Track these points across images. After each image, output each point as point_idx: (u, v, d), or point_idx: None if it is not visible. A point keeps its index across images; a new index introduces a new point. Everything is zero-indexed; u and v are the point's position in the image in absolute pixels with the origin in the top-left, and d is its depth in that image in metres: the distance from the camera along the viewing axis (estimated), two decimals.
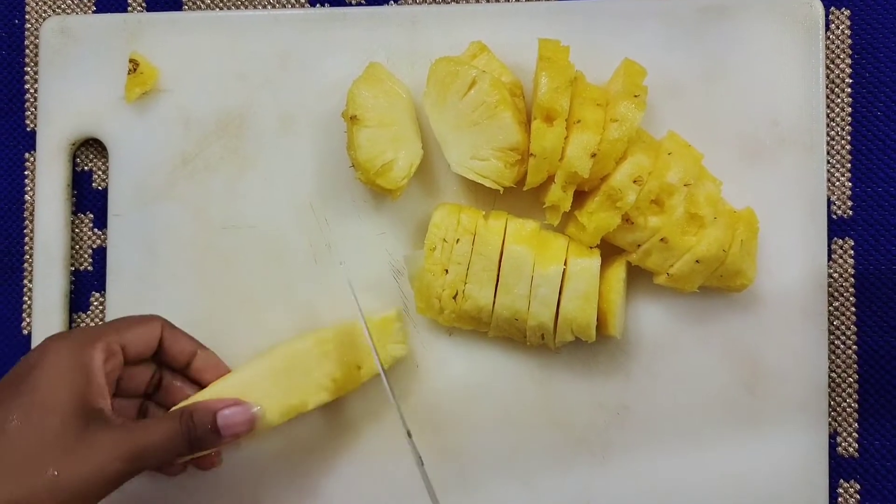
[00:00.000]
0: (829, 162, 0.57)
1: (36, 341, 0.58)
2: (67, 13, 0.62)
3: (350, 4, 0.60)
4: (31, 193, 0.62)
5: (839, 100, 0.57)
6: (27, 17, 0.63)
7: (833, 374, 0.56)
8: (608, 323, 0.51)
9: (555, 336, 0.52)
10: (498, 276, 0.51)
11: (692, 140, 0.52)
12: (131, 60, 0.57)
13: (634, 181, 0.49)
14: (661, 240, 0.50)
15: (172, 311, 0.53)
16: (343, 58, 0.57)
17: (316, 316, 0.56)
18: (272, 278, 0.57)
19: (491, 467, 0.55)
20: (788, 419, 0.54)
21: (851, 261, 0.57)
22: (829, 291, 0.56)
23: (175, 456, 0.46)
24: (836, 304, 0.56)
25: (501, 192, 0.52)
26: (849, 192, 0.57)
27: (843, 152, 0.57)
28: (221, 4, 0.61)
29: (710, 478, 0.54)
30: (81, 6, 0.62)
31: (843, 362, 0.56)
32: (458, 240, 0.51)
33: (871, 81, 0.57)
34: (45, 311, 0.58)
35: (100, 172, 0.61)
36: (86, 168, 0.61)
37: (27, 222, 0.61)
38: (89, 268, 0.61)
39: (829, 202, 0.57)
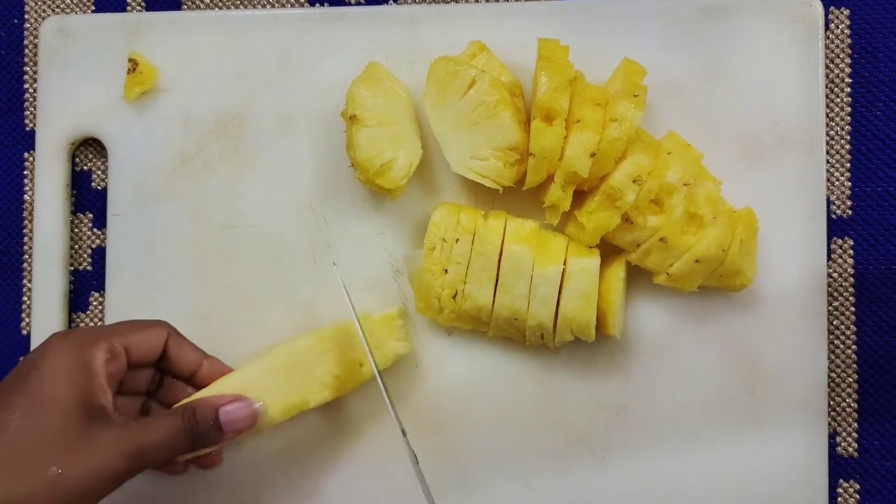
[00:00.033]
0: (828, 161, 0.57)
1: (35, 341, 0.58)
2: (67, 13, 0.62)
3: (349, 4, 0.60)
4: (30, 193, 0.62)
5: (839, 99, 0.57)
6: (26, 16, 0.63)
7: (833, 374, 0.56)
8: (608, 323, 0.51)
9: (554, 336, 0.52)
10: (497, 275, 0.51)
11: (692, 140, 0.52)
12: (130, 60, 0.57)
13: (634, 181, 0.49)
14: (661, 239, 0.50)
15: (172, 311, 0.53)
16: (342, 57, 0.57)
17: (315, 315, 0.56)
18: (272, 278, 0.57)
19: (490, 467, 0.55)
20: (788, 419, 0.54)
21: (851, 260, 0.57)
22: (828, 291, 0.56)
23: (178, 453, 0.46)
24: (836, 303, 0.56)
25: (501, 192, 0.52)
26: (848, 192, 0.57)
27: (843, 152, 0.57)
28: (221, 4, 0.61)
29: (710, 478, 0.54)
30: (80, 6, 0.62)
31: (843, 362, 0.56)
32: (457, 239, 0.51)
33: (871, 81, 0.57)
34: (45, 311, 0.58)
35: (99, 172, 0.61)
36: (85, 168, 0.61)
37: (26, 222, 0.61)
38: (88, 268, 0.61)
39: (829, 202, 0.57)
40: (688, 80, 0.55)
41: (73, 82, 0.58)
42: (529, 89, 0.55)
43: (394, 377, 0.55)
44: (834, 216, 0.57)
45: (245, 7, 0.61)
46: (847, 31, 0.57)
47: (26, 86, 0.62)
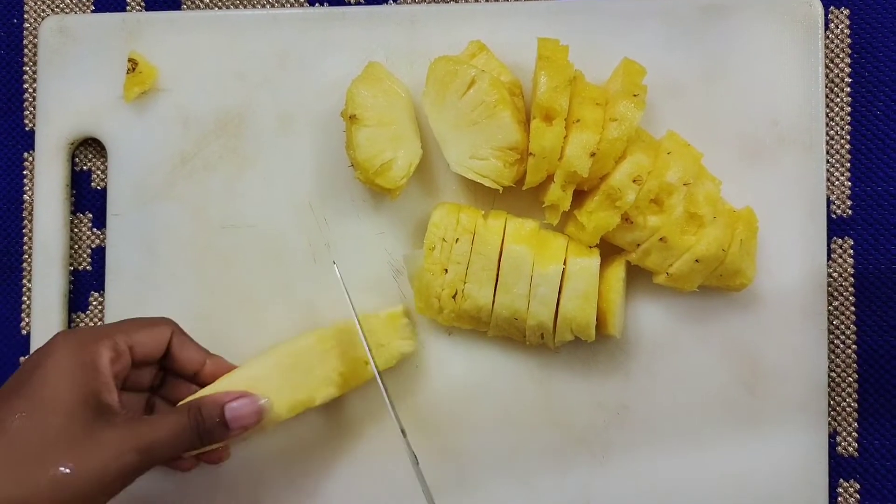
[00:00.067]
0: (828, 161, 0.57)
1: (35, 341, 0.58)
2: (66, 12, 0.62)
3: (349, 4, 0.60)
4: (29, 193, 0.62)
5: (838, 99, 0.57)
6: (26, 16, 0.62)
7: (833, 374, 0.56)
8: (608, 322, 0.51)
9: (554, 335, 0.52)
10: (497, 275, 0.51)
11: (692, 139, 0.52)
12: (130, 60, 0.57)
13: (634, 180, 0.49)
14: (661, 239, 0.50)
15: (172, 311, 0.53)
16: (342, 57, 0.57)
17: (315, 315, 0.56)
18: (271, 278, 0.57)
19: (490, 467, 0.55)
20: (788, 419, 0.54)
21: (851, 260, 0.57)
22: (828, 291, 0.56)
23: (184, 450, 0.46)
24: (836, 303, 0.56)
25: (501, 192, 0.52)
26: (848, 192, 0.57)
27: (843, 152, 0.57)
28: (220, 4, 0.61)
29: (710, 478, 0.54)
30: (80, 5, 0.62)
31: (843, 362, 0.56)
32: (457, 239, 0.51)
33: (871, 81, 0.57)
34: (44, 311, 0.58)
35: (99, 172, 0.61)
36: (85, 168, 0.61)
37: (26, 222, 0.61)
38: (88, 267, 0.61)
39: (829, 201, 0.57)
40: (688, 80, 0.55)
41: (72, 82, 0.58)
42: (529, 89, 0.54)
43: (394, 377, 0.55)
44: (834, 216, 0.57)
45: (244, 7, 0.61)
46: (847, 31, 0.57)
47: (26, 86, 0.62)
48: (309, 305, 0.56)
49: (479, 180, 0.52)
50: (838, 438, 0.56)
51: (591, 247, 0.52)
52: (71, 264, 0.60)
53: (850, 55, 0.57)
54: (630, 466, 0.55)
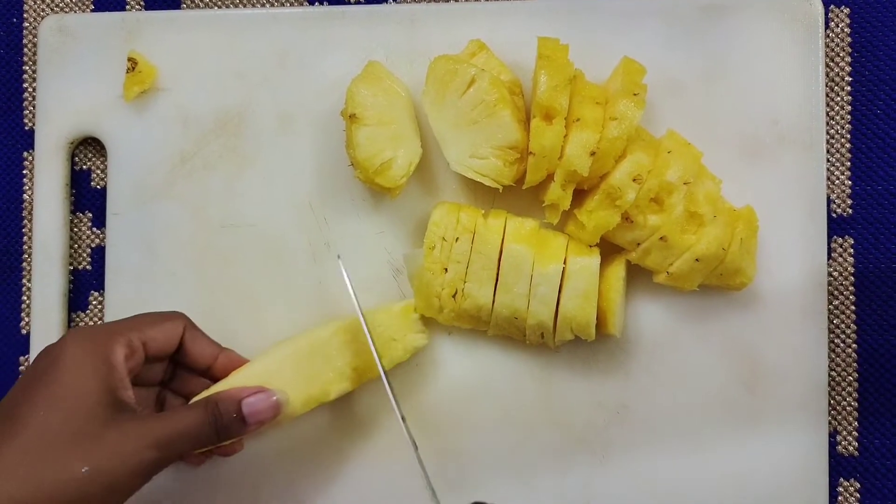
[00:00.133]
0: (828, 160, 0.57)
1: (35, 341, 0.58)
2: (66, 12, 0.62)
3: (349, 3, 0.60)
4: (29, 192, 0.62)
5: (839, 98, 0.57)
6: (25, 15, 0.62)
7: (833, 373, 0.56)
8: (608, 322, 0.51)
9: (554, 335, 0.52)
10: (497, 274, 0.51)
11: (692, 138, 0.52)
12: (130, 59, 0.57)
13: (634, 179, 0.49)
14: (661, 238, 0.50)
15: (171, 310, 0.53)
16: (342, 56, 0.57)
17: (315, 314, 0.56)
18: (271, 277, 0.57)
19: (491, 467, 0.55)
20: (788, 418, 0.54)
21: (851, 259, 0.57)
22: (828, 290, 0.56)
23: (202, 445, 0.46)
24: (836, 302, 0.56)
25: (500, 191, 0.52)
26: (848, 191, 0.57)
27: (843, 150, 0.57)
28: (220, 3, 0.61)
29: (710, 477, 0.54)
30: (80, 5, 0.62)
31: (843, 361, 0.56)
32: (457, 238, 0.51)
33: (871, 80, 0.57)
34: (44, 311, 0.58)
35: (98, 171, 0.61)
36: (84, 167, 0.61)
37: (26, 221, 0.61)
38: (88, 267, 0.60)
39: (829, 200, 0.57)
40: (688, 79, 0.55)
41: (72, 81, 0.58)
42: (529, 88, 0.54)
43: (393, 377, 0.55)
44: (834, 215, 0.57)
45: (244, 6, 0.61)
46: (847, 30, 0.57)
47: (25, 85, 0.62)
48: (309, 305, 0.56)
49: (478, 179, 0.51)
50: (838, 438, 0.56)
51: (591, 246, 0.52)
52: (71, 264, 0.60)
53: (850, 54, 0.57)
54: (630, 466, 0.54)
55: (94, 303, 0.60)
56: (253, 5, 0.61)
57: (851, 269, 0.57)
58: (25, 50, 0.62)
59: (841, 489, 0.56)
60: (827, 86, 0.57)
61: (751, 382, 0.54)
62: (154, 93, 0.58)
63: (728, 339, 0.54)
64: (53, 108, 0.59)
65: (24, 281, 0.61)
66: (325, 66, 0.57)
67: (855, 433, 0.56)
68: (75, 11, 0.62)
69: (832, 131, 0.57)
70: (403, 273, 0.56)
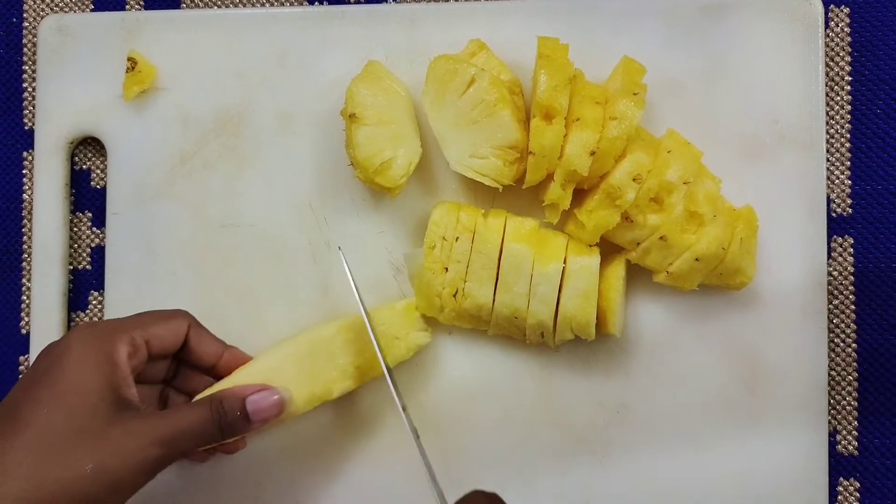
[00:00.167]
0: (828, 160, 0.57)
1: (35, 340, 0.58)
2: (65, 11, 0.62)
3: (348, 2, 0.60)
4: (29, 192, 0.62)
5: (839, 98, 0.57)
6: (25, 15, 0.62)
7: (833, 373, 0.56)
8: (608, 321, 0.51)
9: (554, 334, 0.52)
10: (497, 274, 0.51)
11: (692, 138, 0.52)
12: (129, 59, 0.57)
13: (634, 179, 0.49)
14: (661, 238, 0.50)
15: None
16: (342, 56, 0.57)
17: (315, 314, 0.56)
18: (271, 277, 0.57)
19: (491, 467, 0.55)
20: (788, 418, 0.54)
21: (851, 259, 0.57)
22: (828, 289, 0.56)
23: (206, 443, 0.46)
24: (836, 302, 0.56)
25: (500, 191, 0.52)
26: (848, 190, 0.57)
27: (843, 150, 0.57)
28: (220, 3, 0.61)
29: (710, 477, 0.54)
30: (79, 4, 0.62)
31: (843, 360, 0.56)
32: (457, 238, 0.51)
33: (871, 79, 0.57)
34: (44, 310, 0.58)
35: (98, 171, 0.61)
36: (84, 167, 0.61)
37: (25, 221, 0.61)
38: (88, 266, 0.60)
39: (829, 200, 0.57)
40: (688, 79, 0.55)
41: (71, 81, 0.58)
42: (529, 88, 0.54)
43: (394, 376, 0.55)
44: (834, 214, 0.57)
45: (244, 6, 0.61)
46: (847, 30, 0.57)
47: (25, 84, 0.62)
48: (309, 304, 0.56)
49: (478, 179, 0.51)
50: (838, 437, 0.56)
51: (591, 245, 0.52)
52: (70, 263, 0.60)
53: (850, 53, 0.57)
54: (630, 466, 0.54)
55: (93, 302, 0.60)
56: (253, 5, 0.61)
57: (851, 269, 0.57)
58: (25, 50, 0.62)
59: (841, 489, 0.56)
60: (827, 85, 0.57)
61: (751, 382, 0.54)
62: (154, 92, 0.58)
63: (728, 338, 0.54)
64: (53, 107, 0.59)
65: (24, 280, 0.61)
66: (324, 65, 0.57)
67: (855, 433, 0.56)
68: (75, 11, 0.62)
69: (832, 131, 0.57)
70: (404, 273, 0.55)
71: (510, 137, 0.50)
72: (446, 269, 0.52)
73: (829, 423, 0.55)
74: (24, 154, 0.62)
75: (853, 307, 0.56)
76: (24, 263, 0.61)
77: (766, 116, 0.55)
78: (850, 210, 0.57)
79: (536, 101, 0.49)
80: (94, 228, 0.61)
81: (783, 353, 0.54)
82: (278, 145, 0.57)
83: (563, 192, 0.50)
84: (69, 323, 0.60)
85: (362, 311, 0.51)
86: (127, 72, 0.57)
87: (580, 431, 0.55)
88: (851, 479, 0.56)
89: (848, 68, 0.57)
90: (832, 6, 0.57)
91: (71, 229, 0.60)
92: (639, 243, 0.51)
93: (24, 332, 0.61)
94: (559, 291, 0.50)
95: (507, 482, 0.55)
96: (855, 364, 0.56)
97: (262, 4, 0.61)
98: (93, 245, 0.61)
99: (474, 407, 0.55)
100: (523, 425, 0.55)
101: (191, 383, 0.52)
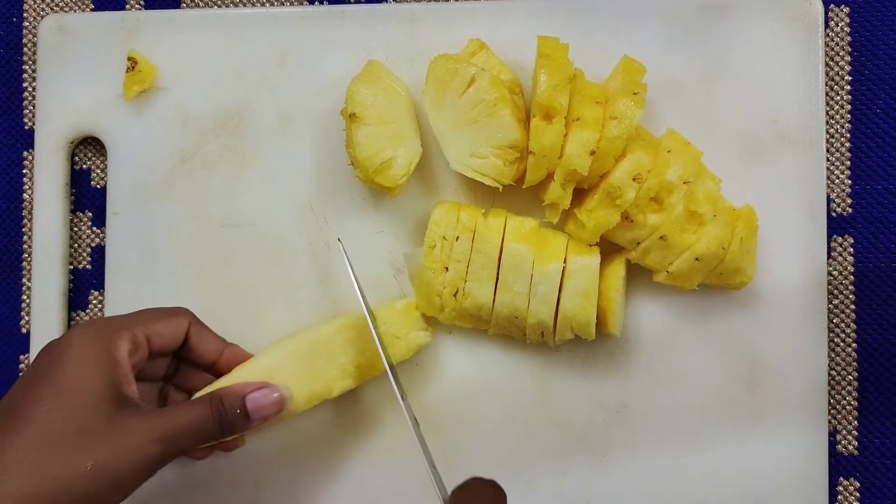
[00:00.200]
0: (828, 160, 0.57)
1: (35, 340, 0.58)
2: (66, 11, 0.62)
3: (349, 2, 0.60)
4: (29, 192, 0.62)
5: (839, 97, 0.57)
6: (25, 14, 0.62)
7: (833, 372, 0.56)
8: (608, 321, 0.51)
9: (554, 334, 0.52)
10: (498, 273, 0.51)
11: (692, 138, 0.52)
12: (129, 58, 0.57)
13: (634, 179, 0.49)
14: (661, 237, 0.50)
15: None
16: (342, 56, 0.57)
17: (315, 314, 0.56)
18: (271, 276, 0.57)
19: (491, 467, 0.55)
20: (788, 417, 0.54)
21: (851, 258, 0.57)
22: (828, 289, 0.56)
23: (206, 440, 0.46)
24: (836, 301, 0.56)
25: (500, 190, 0.52)
26: (848, 190, 0.57)
27: (843, 150, 0.57)
28: (220, 2, 0.61)
29: (710, 477, 0.54)
30: (80, 4, 0.62)
31: (843, 360, 0.56)
32: (457, 237, 0.51)
33: (871, 79, 0.57)
34: (44, 310, 0.58)
35: (98, 171, 0.61)
36: (84, 166, 0.61)
37: (26, 221, 0.61)
38: (88, 266, 0.60)
39: (829, 200, 0.57)
40: (688, 78, 0.55)
41: (72, 81, 0.58)
42: (529, 87, 0.54)
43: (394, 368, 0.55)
44: (834, 214, 0.57)
45: (244, 5, 0.61)
46: (847, 29, 0.57)
47: (25, 84, 0.62)
48: (309, 304, 0.56)
49: (478, 179, 0.51)
50: (838, 437, 0.56)
51: (591, 245, 0.52)
52: (71, 263, 0.60)
53: (850, 53, 0.57)
54: (630, 465, 0.54)
55: (94, 302, 0.60)
56: (253, 5, 0.61)
57: (851, 269, 0.57)
58: (25, 49, 0.62)
59: (841, 488, 0.56)
60: (827, 85, 0.57)
61: (751, 382, 0.54)
62: (154, 92, 0.58)
63: (728, 338, 0.54)
64: (53, 107, 0.59)
65: (24, 280, 0.61)
66: (324, 65, 0.57)
67: (855, 432, 0.56)
68: (75, 11, 0.62)
69: (832, 130, 0.57)
70: (404, 272, 0.55)
71: (510, 137, 0.50)
72: (446, 268, 0.52)
73: (829, 422, 0.55)
74: (25, 154, 0.62)
75: (853, 307, 0.56)
76: (24, 263, 0.61)
77: (766, 116, 0.55)
78: (850, 210, 0.57)
79: (536, 101, 0.49)
80: (95, 228, 0.61)
81: (783, 353, 0.54)
82: (278, 145, 0.57)
83: (563, 191, 0.50)
84: (69, 322, 0.60)
85: (361, 300, 0.51)
86: (127, 71, 0.57)
87: (580, 431, 0.55)
88: (851, 479, 0.56)
89: (848, 68, 0.57)
90: (832, 6, 0.57)
91: (71, 229, 0.60)
92: (639, 243, 0.51)
93: (24, 331, 0.61)
94: (559, 291, 0.50)
95: (507, 482, 0.55)
96: (855, 364, 0.56)
97: (262, 4, 0.61)
98: (93, 245, 0.61)
99: (474, 407, 0.55)
100: (523, 425, 0.55)
101: (191, 381, 0.52)
